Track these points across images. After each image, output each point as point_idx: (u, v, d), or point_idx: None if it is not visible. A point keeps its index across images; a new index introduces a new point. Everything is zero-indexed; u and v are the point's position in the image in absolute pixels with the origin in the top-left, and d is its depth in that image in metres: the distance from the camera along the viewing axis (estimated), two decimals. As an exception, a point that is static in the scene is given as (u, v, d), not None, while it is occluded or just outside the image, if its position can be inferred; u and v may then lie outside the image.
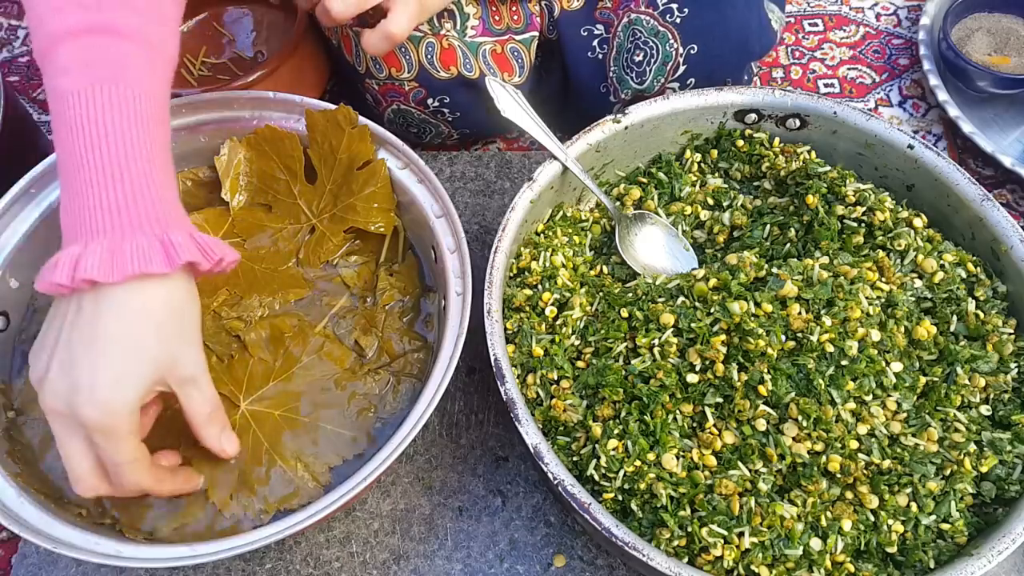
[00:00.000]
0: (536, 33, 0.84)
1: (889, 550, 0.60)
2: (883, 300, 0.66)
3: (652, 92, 0.82)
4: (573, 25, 0.84)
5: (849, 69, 1.04)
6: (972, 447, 0.62)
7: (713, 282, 0.66)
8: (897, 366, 0.63)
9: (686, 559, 0.59)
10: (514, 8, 0.82)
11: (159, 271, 0.54)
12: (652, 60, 0.80)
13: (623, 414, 0.62)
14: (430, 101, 0.83)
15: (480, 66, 0.81)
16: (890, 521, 0.60)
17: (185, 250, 0.55)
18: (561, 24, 0.84)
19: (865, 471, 0.60)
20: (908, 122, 0.99)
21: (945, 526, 0.60)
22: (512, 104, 0.75)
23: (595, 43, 0.84)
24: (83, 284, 0.53)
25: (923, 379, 0.64)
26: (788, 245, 0.72)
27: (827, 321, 0.62)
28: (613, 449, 0.61)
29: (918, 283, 0.69)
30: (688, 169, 0.80)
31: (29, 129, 0.89)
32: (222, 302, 0.73)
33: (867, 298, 0.65)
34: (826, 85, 1.02)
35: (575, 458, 0.63)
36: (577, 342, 0.68)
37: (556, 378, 0.66)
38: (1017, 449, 0.62)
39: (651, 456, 0.60)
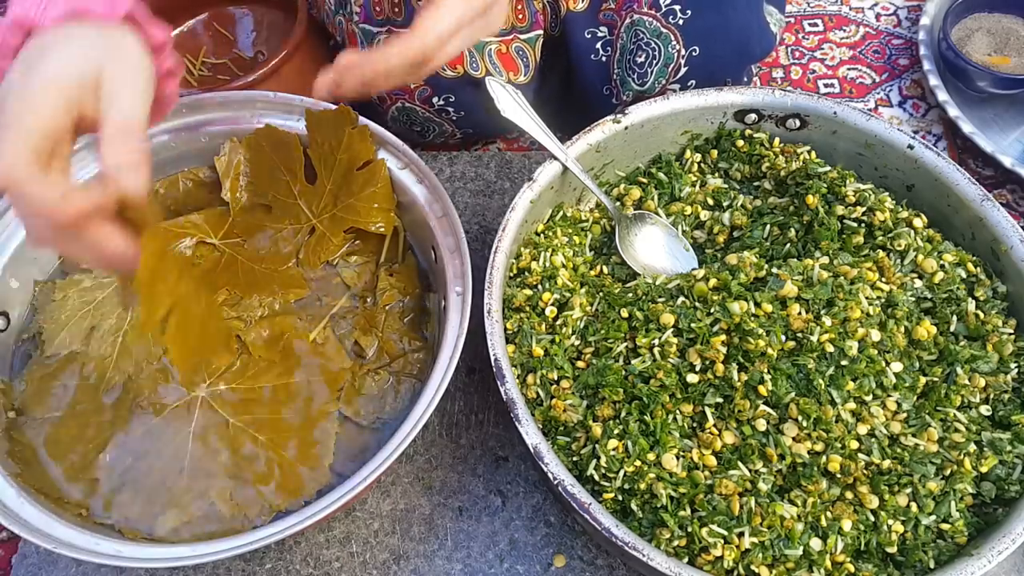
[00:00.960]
0: (541, 32, 0.84)
1: (889, 550, 0.60)
2: (883, 300, 0.66)
3: (653, 93, 0.82)
4: (578, 27, 0.84)
5: (849, 69, 1.04)
6: (972, 447, 0.62)
7: (713, 282, 0.66)
8: (897, 366, 0.63)
9: (686, 559, 0.59)
10: (519, 6, 0.82)
11: (99, 10, 0.51)
12: (654, 62, 0.80)
13: (623, 414, 0.62)
14: (435, 99, 0.83)
15: (486, 65, 0.81)
16: (890, 521, 0.60)
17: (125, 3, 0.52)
18: (566, 26, 0.84)
19: (865, 471, 0.60)
20: (908, 122, 0.99)
21: (945, 526, 0.60)
22: (512, 104, 0.75)
23: (598, 45, 0.84)
24: (17, 31, 0.50)
25: (923, 379, 0.64)
26: (788, 245, 0.72)
27: (827, 321, 0.62)
28: (613, 449, 0.61)
29: (918, 283, 0.69)
30: (688, 169, 0.80)
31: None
32: (222, 302, 0.73)
33: (867, 298, 0.65)
34: (826, 85, 1.02)
35: (575, 458, 0.63)
36: (577, 342, 0.68)
37: (556, 378, 0.66)
38: (1017, 449, 0.62)
39: (651, 456, 0.60)
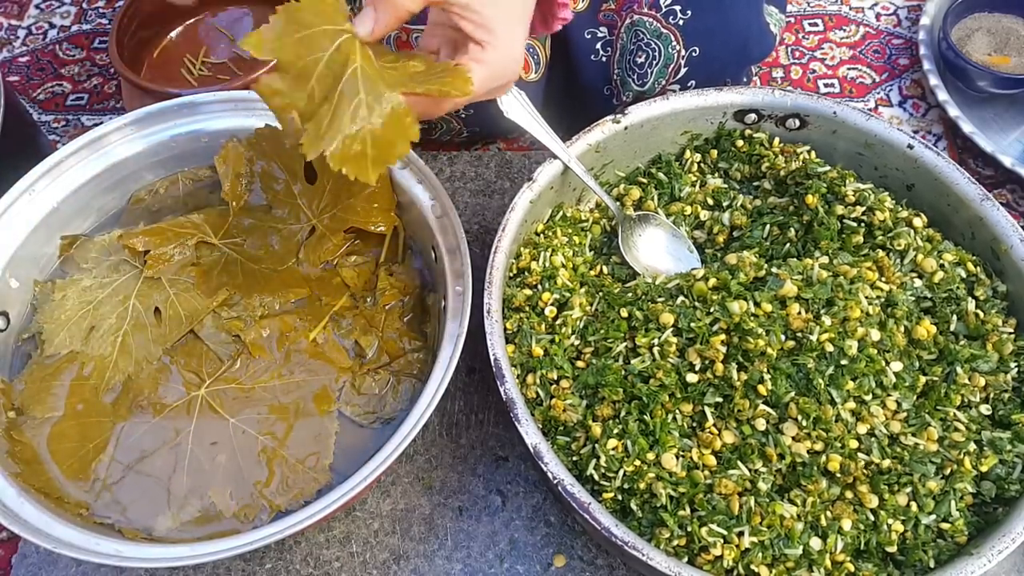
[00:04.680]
0: None
1: (889, 549, 0.60)
2: (883, 300, 0.66)
3: (653, 94, 0.82)
4: (578, 27, 0.84)
5: (849, 69, 1.03)
6: (972, 446, 0.62)
7: (713, 282, 0.66)
8: (897, 366, 0.63)
9: (686, 559, 0.59)
10: None
11: None
12: (654, 62, 0.80)
13: (623, 414, 0.62)
14: None
15: None
16: (890, 520, 0.59)
17: None
18: (567, 25, 0.84)
19: (865, 470, 0.60)
20: (908, 122, 0.99)
21: (945, 525, 0.60)
22: (516, 106, 0.75)
23: (599, 46, 0.84)
24: None
25: (923, 379, 0.64)
26: (788, 245, 0.72)
27: (827, 321, 0.62)
28: (613, 449, 0.61)
29: (918, 283, 0.69)
30: (688, 169, 0.80)
31: (29, 129, 0.89)
32: (222, 302, 0.73)
33: (867, 298, 0.65)
34: (826, 85, 1.02)
35: (575, 458, 0.63)
36: (577, 342, 0.68)
37: (556, 378, 0.66)
38: (1017, 448, 0.62)
39: (651, 456, 0.60)
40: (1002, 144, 0.94)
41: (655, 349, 0.64)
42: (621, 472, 0.60)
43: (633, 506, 0.61)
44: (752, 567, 0.58)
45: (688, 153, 0.80)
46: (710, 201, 0.78)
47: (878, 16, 1.08)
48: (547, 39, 0.84)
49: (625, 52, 0.81)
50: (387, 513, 0.73)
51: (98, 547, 0.59)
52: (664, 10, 0.78)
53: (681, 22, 0.78)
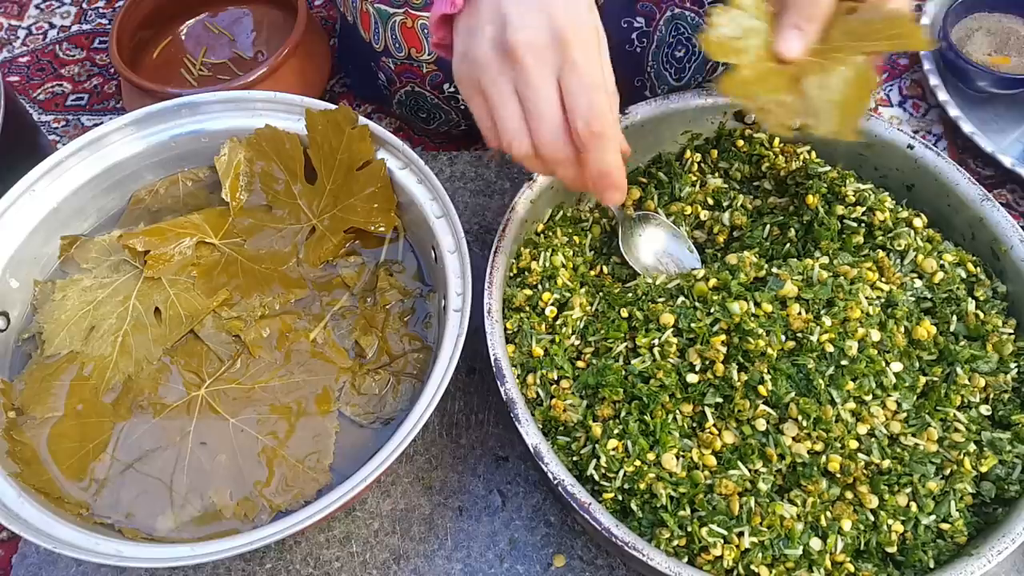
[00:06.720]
0: None
1: (889, 550, 0.60)
2: (883, 300, 0.66)
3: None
4: (613, 16, 0.83)
5: (849, 69, 1.03)
6: (972, 447, 0.62)
7: (713, 282, 0.66)
8: (897, 366, 0.63)
9: (686, 559, 0.59)
10: None
11: None
12: (693, 57, 0.80)
13: (623, 414, 0.62)
14: (446, 86, 0.83)
15: None
16: (890, 521, 0.60)
17: None
18: (601, 14, 0.84)
19: (865, 471, 0.60)
20: (908, 122, 0.99)
21: (945, 526, 0.60)
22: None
23: (634, 36, 0.83)
24: None
25: (923, 379, 0.64)
26: (788, 245, 0.72)
27: (827, 321, 0.63)
28: (613, 449, 0.61)
29: (918, 283, 0.69)
30: (688, 169, 0.80)
31: (29, 129, 0.89)
32: (222, 302, 0.73)
33: (867, 298, 0.65)
34: (826, 85, 1.02)
35: (575, 458, 0.63)
36: (577, 342, 0.68)
37: (556, 378, 0.66)
38: (1017, 449, 0.62)
39: (651, 456, 0.60)
40: (1002, 144, 0.94)
41: (655, 349, 0.64)
42: (621, 472, 0.60)
43: (633, 506, 0.61)
44: (752, 567, 0.58)
45: (688, 153, 0.80)
46: (710, 201, 0.78)
47: (878, 16, 1.08)
48: None
49: (663, 45, 0.81)
50: (387, 513, 0.73)
51: (98, 547, 0.59)
52: (707, 5, 0.78)
53: None
